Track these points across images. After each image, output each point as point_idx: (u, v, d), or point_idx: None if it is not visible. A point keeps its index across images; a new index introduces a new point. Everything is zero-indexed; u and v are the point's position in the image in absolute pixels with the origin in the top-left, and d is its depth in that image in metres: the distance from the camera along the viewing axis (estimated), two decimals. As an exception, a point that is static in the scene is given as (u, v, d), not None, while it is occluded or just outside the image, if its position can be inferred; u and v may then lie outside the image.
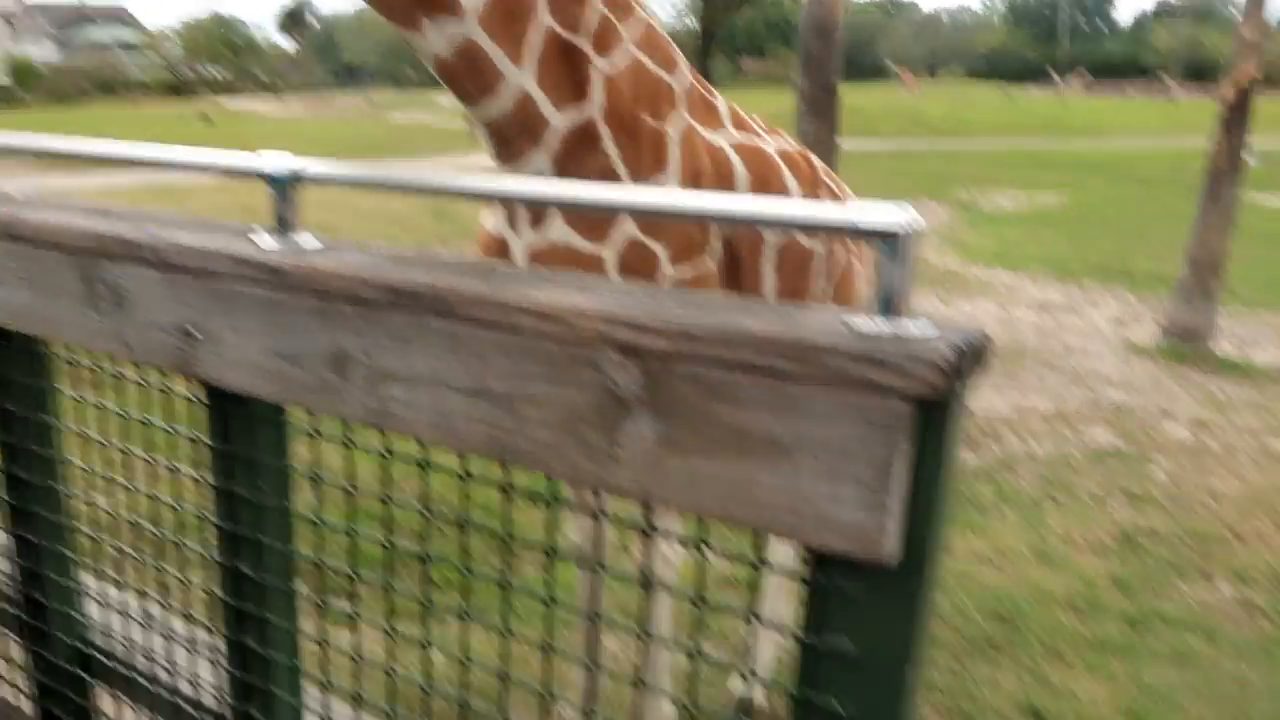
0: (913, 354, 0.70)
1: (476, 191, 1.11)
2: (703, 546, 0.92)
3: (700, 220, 0.86)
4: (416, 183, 1.13)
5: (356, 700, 1.30)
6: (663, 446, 0.85)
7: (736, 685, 3.10)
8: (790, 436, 0.77)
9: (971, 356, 0.73)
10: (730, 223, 0.84)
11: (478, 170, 1.26)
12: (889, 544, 0.76)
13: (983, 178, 17.68)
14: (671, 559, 2.69)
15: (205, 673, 1.53)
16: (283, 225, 1.16)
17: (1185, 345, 7.21)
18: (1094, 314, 8.59)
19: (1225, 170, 7.15)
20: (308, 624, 1.35)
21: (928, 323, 0.76)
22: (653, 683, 2.65)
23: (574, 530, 2.79)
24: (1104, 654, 3.49)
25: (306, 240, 1.16)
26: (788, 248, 2.38)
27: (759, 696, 3.07)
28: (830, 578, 0.83)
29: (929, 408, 0.74)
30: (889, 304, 0.75)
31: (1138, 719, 3.15)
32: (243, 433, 1.27)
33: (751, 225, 0.81)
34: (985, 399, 6.14)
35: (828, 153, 6.40)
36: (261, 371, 1.14)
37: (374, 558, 1.37)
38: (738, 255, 2.33)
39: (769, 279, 2.34)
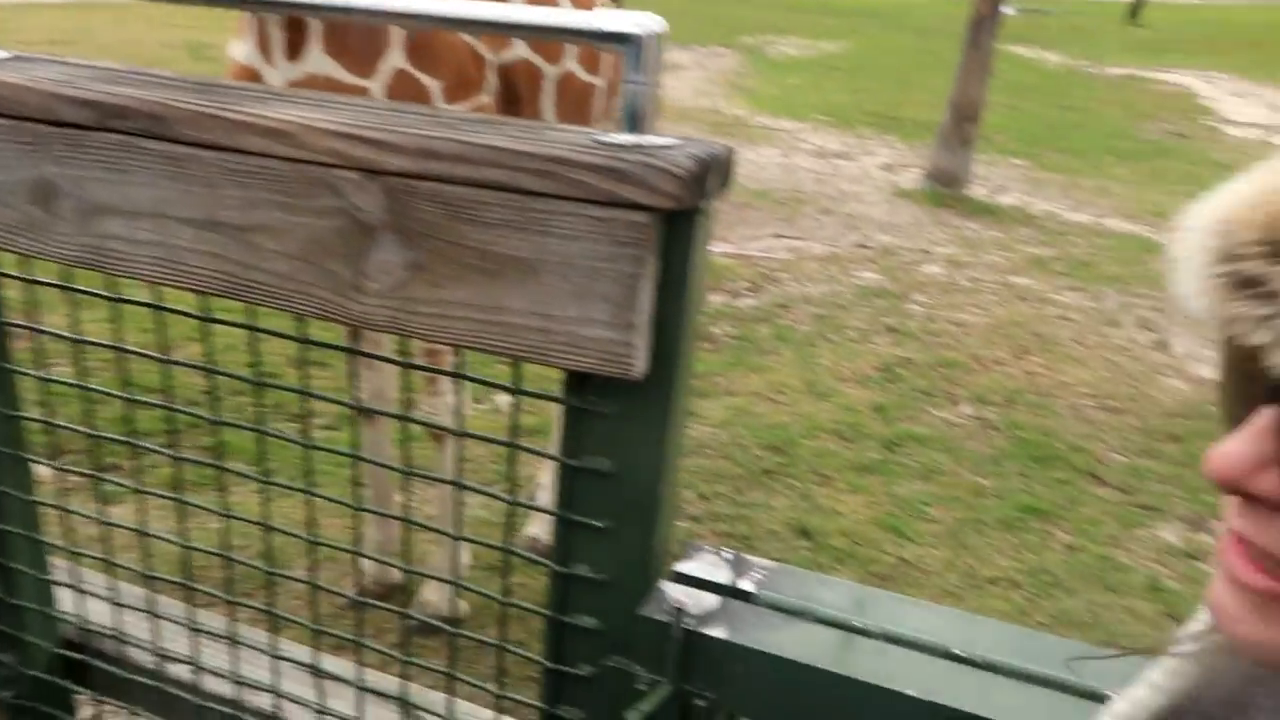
0: (653, 165, 0.69)
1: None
2: (509, 392, 0.91)
3: (435, 25, 0.80)
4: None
5: (110, 570, 1.23)
6: (412, 274, 0.82)
7: (531, 528, 3.19)
8: (538, 257, 0.76)
9: (713, 169, 0.73)
10: (466, 29, 0.79)
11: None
12: (638, 361, 0.78)
13: (771, 25, 17.88)
14: (463, 411, 2.68)
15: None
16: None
17: (945, 189, 7.73)
18: (867, 161, 9.02)
19: (985, 19, 7.53)
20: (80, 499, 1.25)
21: (672, 137, 0.75)
22: (456, 531, 2.68)
23: (359, 385, 2.71)
24: (864, 474, 3.83)
25: (-11, 53, 1.00)
26: (567, 83, 2.32)
27: (545, 534, 3.17)
28: (584, 398, 0.84)
29: (673, 221, 0.74)
30: (635, 118, 0.74)
31: (890, 528, 3.50)
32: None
33: (488, 31, 0.76)
34: (766, 243, 6.39)
35: (613, -7, 6.23)
36: (-48, 210, 1.00)
37: (148, 428, 1.27)
38: (516, 92, 2.25)
39: (549, 116, 2.28)
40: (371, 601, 1.17)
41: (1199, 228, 0.43)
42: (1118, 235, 7.25)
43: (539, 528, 3.13)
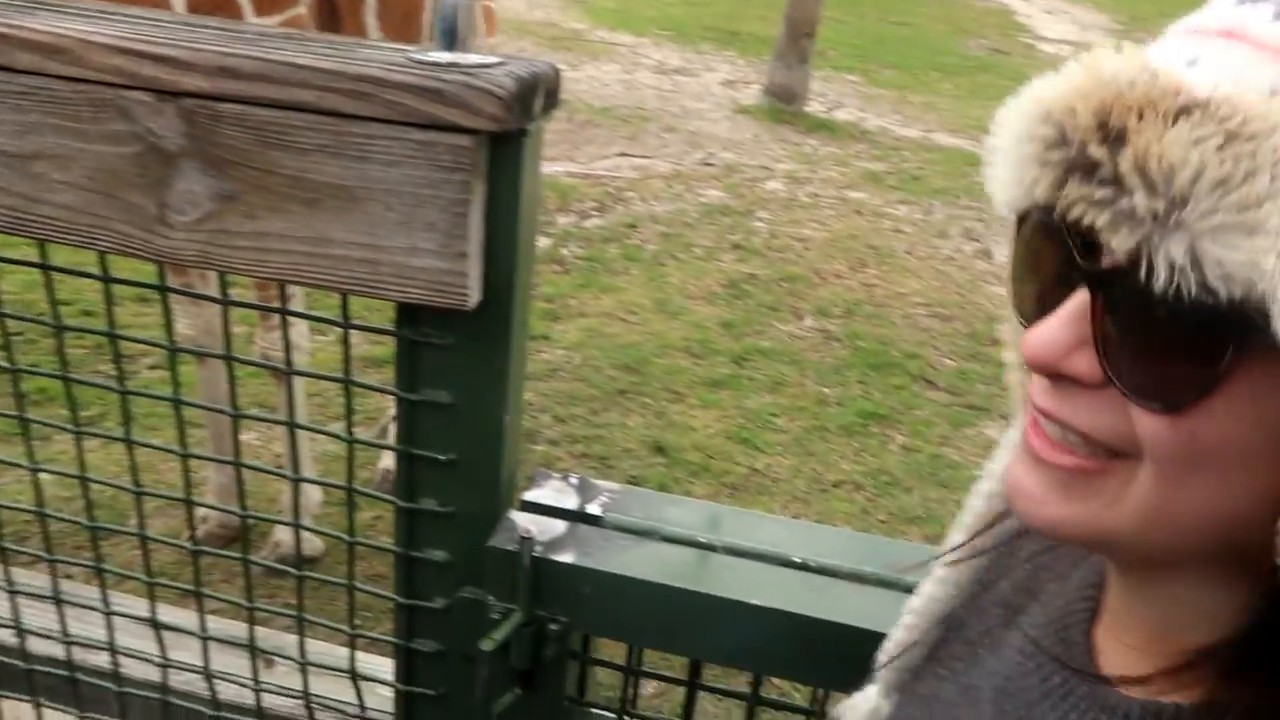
0: (474, 85, 0.66)
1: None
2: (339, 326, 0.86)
3: None
4: None
5: None
6: (221, 205, 0.76)
7: (385, 460, 3.11)
8: (359, 184, 0.72)
9: (537, 89, 0.70)
10: None
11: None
12: (471, 290, 0.75)
13: None
14: (300, 342, 2.57)
15: None
16: None
17: (783, 106, 7.84)
18: (708, 77, 9.03)
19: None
20: None
21: (492, 56, 0.71)
22: (300, 471, 2.59)
23: (184, 321, 2.55)
24: (715, 389, 3.92)
25: None
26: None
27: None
28: (417, 331, 0.81)
29: (499, 144, 0.71)
30: (452, 34, 0.70)
31: (741, 440, 3.61)
32: None
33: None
34: (612, 163, 6.34)
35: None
36: None
37: None
38: (335, 5, 2.12)
39: (373, 32, 2.16)
40: (206, 549, 1.11)
41: (1026, 118, 0.43)
42: (944, 149, 7.56)
43: (392, 460, 3.07)
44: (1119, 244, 0.39)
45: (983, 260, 5.50)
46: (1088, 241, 0.42)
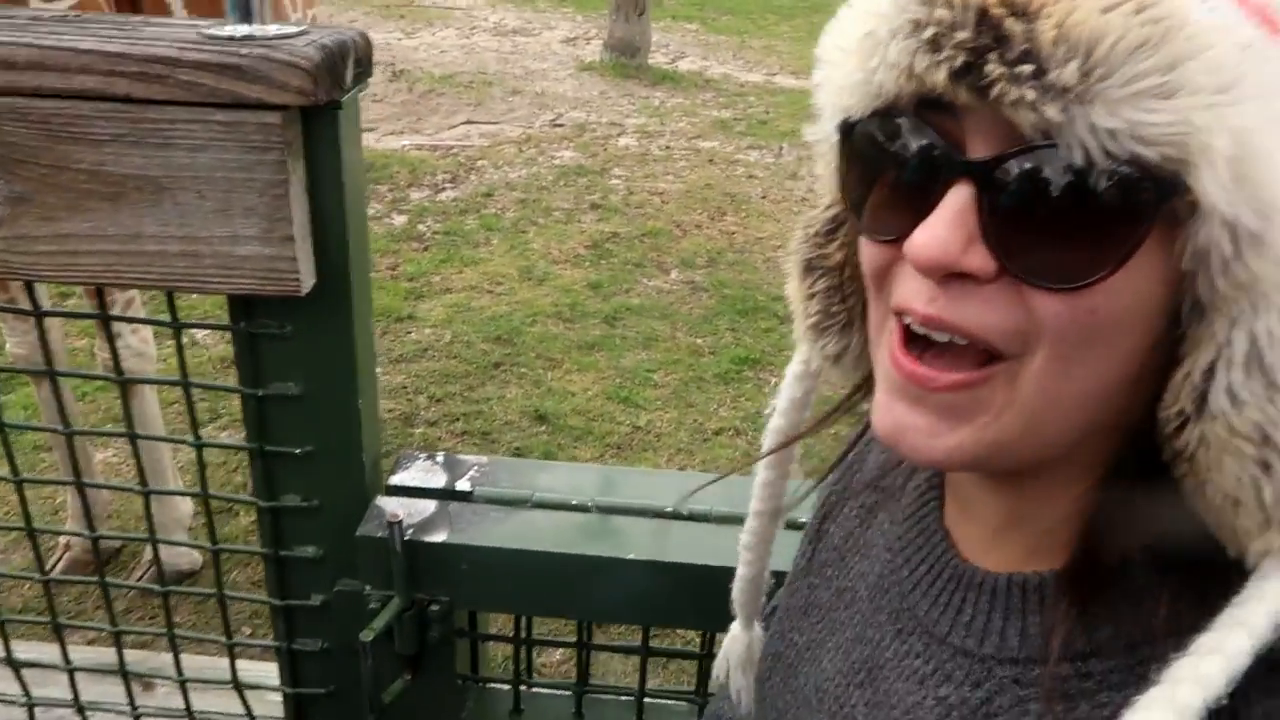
0: (274, 58, 0.62)
1: None
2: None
3: None
4: None
5: None
6: (13, 208, 0.70)
7: None
8: (164, 173, 0.67)
9: (346, 58, 0.67)
10: None
11: None
12: (302, 275, 0.72)
13: None
14: (144, 349, 2.43)
15: None
16: None
17: (626, 60, 7.82)
18: (549, 35, 8.91)
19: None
20: None
21: (294, 26, 0.68)
22: (161, 485, 2.46)
23: (11, 340, 2.38)
24: (590, 352, 3.92)
25: None
26: None
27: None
28: (254, 323, 0.77)
29: (312, 119, 0.67)
30: (244, 5, 0.66)
31: (621, 399, 3.62)
32: None
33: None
34: (460, 131, 6.21)
35: None
36: None
37: None
38: None
39: (178, 10, 2.02)
40: (57, 578, 1.05)
41: (896, 8, 0.42)
42: (788, 91, 7.69)
43: None
44: (1026, 119, 0.39)
45: (835, 197, 5.65)
46: (951, 137, 0.42)
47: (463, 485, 0.87)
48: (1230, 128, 0.37)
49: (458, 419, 3.48)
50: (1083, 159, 0.39)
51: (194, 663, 1.11)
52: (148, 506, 0.96)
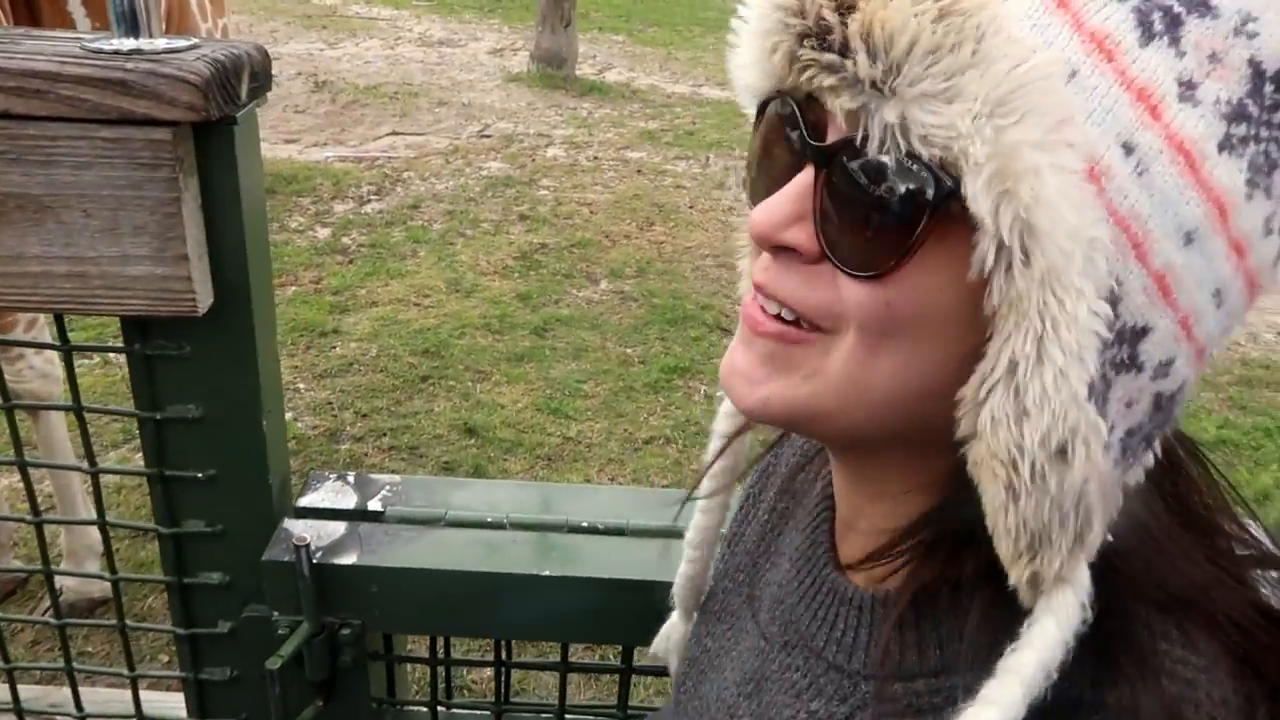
0: (162, 73, 0.60)
1: None
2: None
3: None
4: None
5: None
6: (-113, 231, 0.67)
7: None
8: (47, 191, 0.65)
9: (241, 73, 0.65)
10: None
11: None
12: (199, 295, 0.70)
13: None
14: (49, 369, 2.34)
15: None
16: None
17: (553, 71, 7.82)
18: (475, 46, 8.87)
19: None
20: None
21: (184, 40, 0.66)
22: (71, 512, 2.37)
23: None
24: (519, 364, 3.89)
25: None
26: None
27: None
28: (149, 344, 0.75)
29: (206, 135, 0.66)
30: (130, 18, 0.64)
31: (551, 410, 3.60)
32: None
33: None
34: (385, 143, 6.13)
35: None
36: None
37: None
38: (34, 3, 1.90)
39: (82, 23, 1.96)
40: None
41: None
42: (713, 102, 7.77)
43: None
44: (841, 106, 0.42)
45: (761, 206, 5.71)
46: (816, 125, 0.45)
47: (374, 505, 0.85)
48: (994, 140, 0.38)
49: (385, 434, 3.43)
50: (876, 152, 0.41)
51: (101, 696, 1.07)
52: (41, 537, 0.92)
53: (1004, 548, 0.42)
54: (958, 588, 0.47)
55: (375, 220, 5.06)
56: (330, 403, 3.55)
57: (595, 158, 6.24)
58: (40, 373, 2.26)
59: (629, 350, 4.06)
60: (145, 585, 2.47)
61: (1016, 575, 0.42)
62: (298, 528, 0.83)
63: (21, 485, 2.59)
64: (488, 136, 6.48)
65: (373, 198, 5.35)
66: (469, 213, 5.25)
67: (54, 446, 2.34)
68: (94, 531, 2.50)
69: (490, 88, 7.61)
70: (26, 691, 1.00)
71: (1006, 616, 0.43)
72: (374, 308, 4.21)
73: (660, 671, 0.86)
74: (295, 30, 8.49)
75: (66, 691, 1.06)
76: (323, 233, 4.89)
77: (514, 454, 3.35)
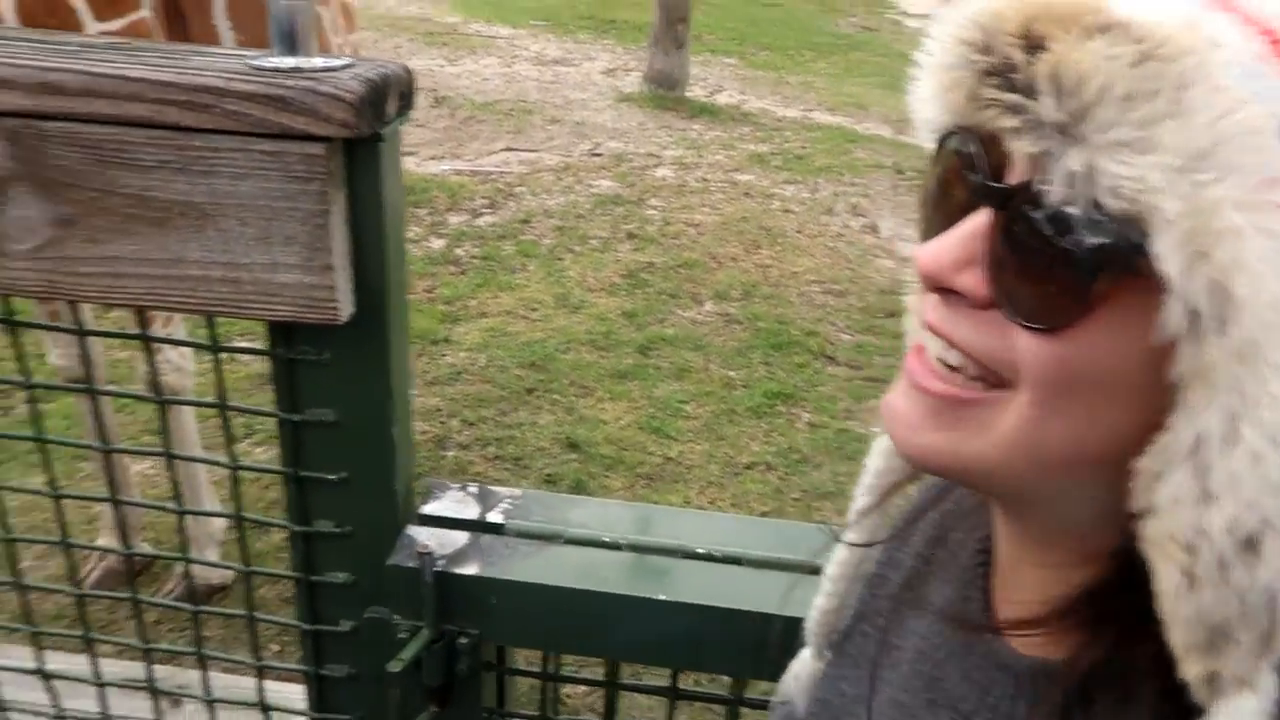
0: (320, 91, 0.62)
1: None
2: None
3: None
4: None
5: None
6: (61, 230, 0.71)
7: None
8: (209, 200, 0.68)
9: (390, 92, 0.67)
10: None
11: None
12: (341, 304, 0.72)
13: None
14: (183, 364, 2.46)
15: None
16: None
17: (665, 92, 7.87)
18: (588, 66, 8.99)
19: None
20: None
21: (339, 58, 0.68)
22: (196, 500, 2.48)
23: (55, 351, 2.41)
24: (622, 381, 3.91)
25: None
26: None
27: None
28: (293, 349, 0.77)
29: (356, 150, 0.68)
30: (290, 37, 0.66)
31: (653, 429, 3.60)
32: None
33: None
34: (500, 157, 6.26)
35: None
36: None
37: None
38: (182, 9, 2.01)
39: (225, 35, 2.06)
40: (90, 593, 1.05)
41: (954, 26, 0.44)
42: (824, 127, 7.70)
43: None
44: (1022, 149, 0.40)
45: (870, 235, 5.62)
46: (995, 166, 0.43)
47: (494, 518, 0.86)
48: (1191, 196, 0.36)
49: (490, 443, 3.49)
50: (1058, 200, 0.39)
51: (221, 680, 1.10)
52: (181, 526, 0.96)
53: (1178, 637, 0.39)
54: (1129, 671, 0.44)
55: (487, 233, 5.17)
56: (439, 409, 3.63)
57: (704, 179, 6.25)
58: (175, 366, 2.37)
59: (732, 373, 4.04)
60: (259, 576, 2.57)
61: (1191, 670, 0.39)
62: (421, 535, 0.85)
63: (151, 472, 2.71)
64: (598, 155, 6.56)
65: (485, 211, 5.47)
66: (578, 229, 5.32)
67: (184, 437, 2.45)
68: (215, 520, 2.61)
69: (602, 107, 7.71)
70: (157, 671, 1.05)
71: (1179, 713, 0.40)
72: (483, 318, 4.30)
73: (765, 706, 0.85)
74: (418, 46, 8.77)
75: (191, 674, 1.11)
76: (437, 244, 5.02)
77: (615, 471, 3.36)
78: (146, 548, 2.60)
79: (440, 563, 0.82)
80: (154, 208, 0.68)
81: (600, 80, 8.53)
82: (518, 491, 0.89)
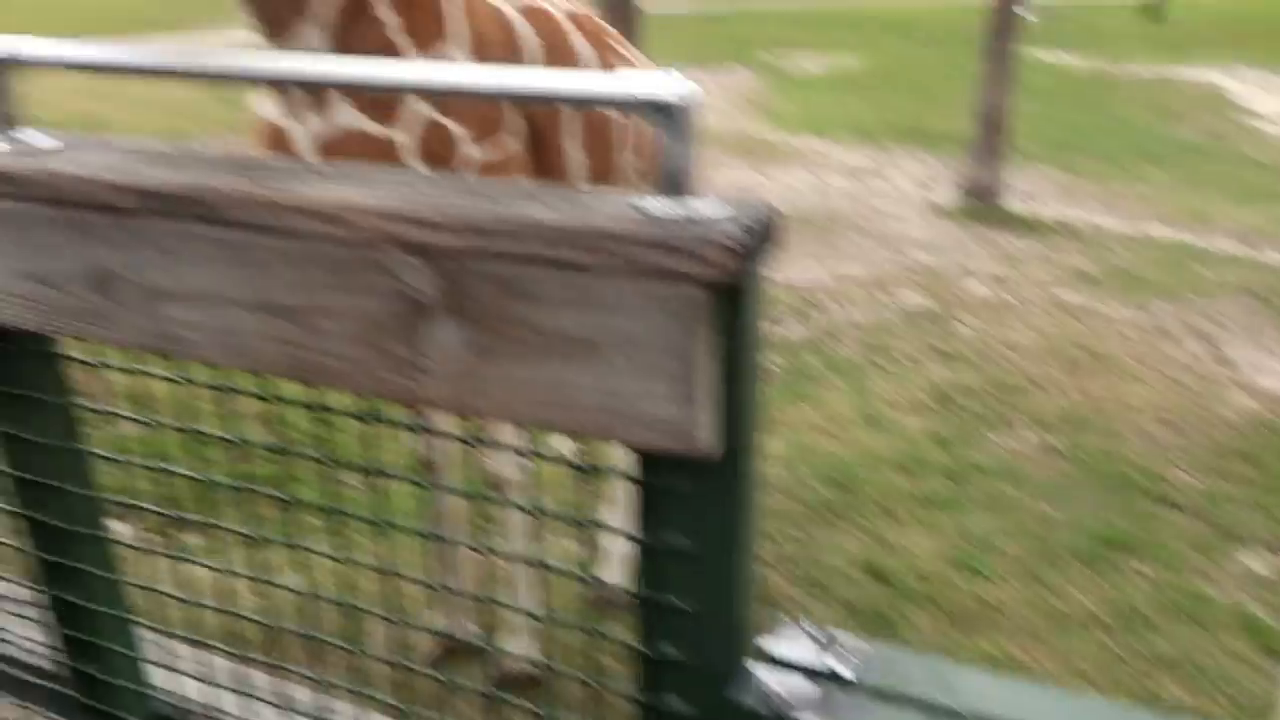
0: (703, 236, 0.66)
1: (237, 73, 0.96)
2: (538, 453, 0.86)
3: (473, 95, 0.78)
4: (161, 64, 0.97)
5: (196, 641, 1.21)
6: (471, 353, 0.78)
7: (604, 573, 3.08)
8: (597, 333, 0.72)
9: (761, 234, 0.70)
10: (498, 98, 0.77)
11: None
12: (704, 436, 0.73)
13: (783, 39, 17.40)
14: (526, 464, 2.63)
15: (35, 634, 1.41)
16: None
17: (980, 203, 7.61)
18: (898, 176, 8.93)
19: (1003, 27, 7.42)
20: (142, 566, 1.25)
21: (717, 202, 0.71)
22: (514, 598, 2.60)
23: (419, 444, 2.68)
24: (931, 508, 3.70)
25: (36, 138, 0.99)
26: (589, 119, 2.29)
27: (613, 578, 3.08)
28: (657, 475, 0.80)
29: (726, 291, 0.70)
30: (675, 183, 0.70)
31: (963, 565, 3.36)
32: (10, 369, 1.12)
33: (520, 100, 0.73)
34: (807, 268, 6.31)
35: (628, 16, 6.16)
36: (12, 298, 0.99)
37: (208, 495, 1.25)
38: (540, 132, 2.23)
39: (574, 156, 2.25)
40: (419, 669, 1.13)
41: None
42: (1160, 243, 7.08)
43: (610, 572, 3.02)
44: None
45: (1220, 365, 5.02)
46: None
47: (842, 669, 0.82)
48: None
49: (792, 562, 3.39)
50: None
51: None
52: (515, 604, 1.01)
53: None
54: None
55: (793, 344, 5.19)
56: (738, 522, 3.62)
57: (1022, 296, 5.93)
58: (519, 465, 2.54)
59: (1052, 511, 3.70)
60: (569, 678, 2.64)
61: None
62: (766, 676, 0.82)
63: (476, 555, 2.86)
64: (908, 268, 6.44)
65: (792, 321, 5.51)
66: (885, 344, 5.21)
67: (513, 527, 2.60)
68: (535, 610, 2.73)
69: (912, 218, 7.60)
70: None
71: None
72: (786, 430, 4.27)
73: None
74: (730, 158, 9.11)
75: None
76: (742, 355, 5.10)
77: (925, 608, 3.15)
78: (471, 630, 2.76)
79: (785, 708, 0.79)
80: (551, 338, 0.74)
81: (911, 191, 8.43)
82: (866, 645, 0.84)
